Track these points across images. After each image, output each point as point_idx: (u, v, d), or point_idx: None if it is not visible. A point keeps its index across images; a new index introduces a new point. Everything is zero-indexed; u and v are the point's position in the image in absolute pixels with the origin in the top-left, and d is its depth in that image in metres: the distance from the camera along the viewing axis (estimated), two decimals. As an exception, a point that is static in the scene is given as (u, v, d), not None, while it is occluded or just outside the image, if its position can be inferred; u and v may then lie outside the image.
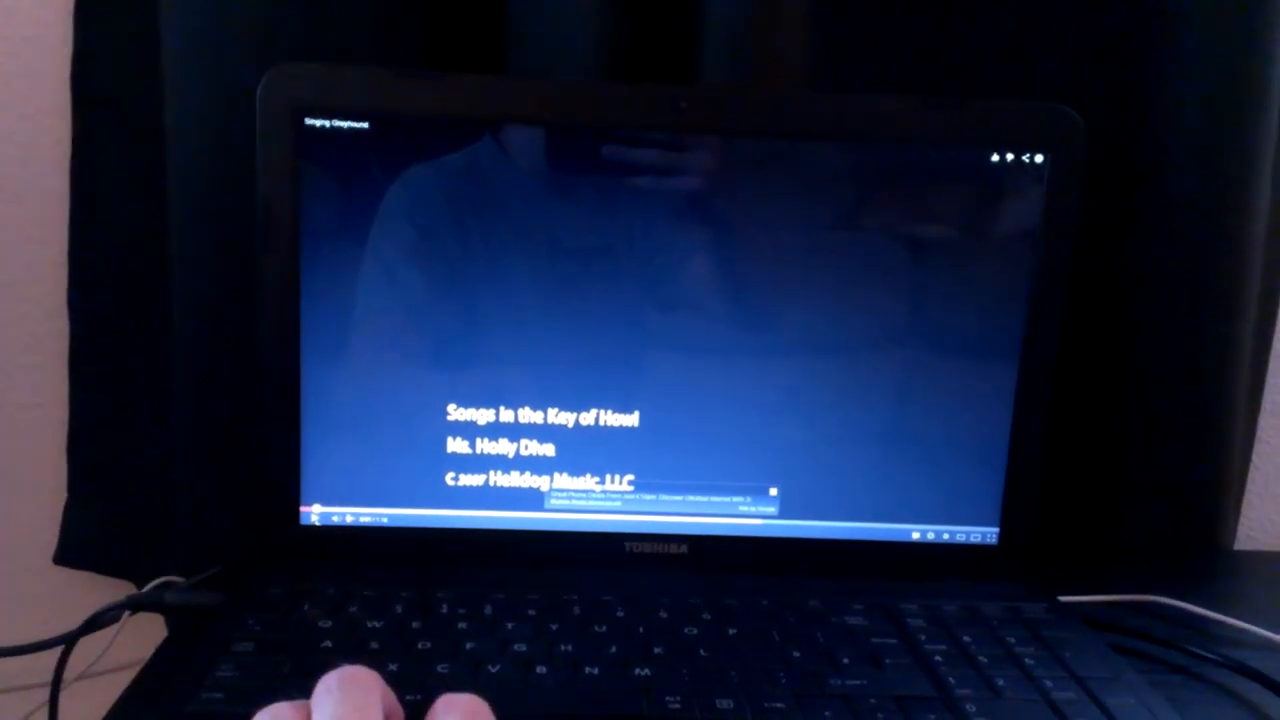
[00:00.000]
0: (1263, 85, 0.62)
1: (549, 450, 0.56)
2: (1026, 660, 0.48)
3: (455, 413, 0.55)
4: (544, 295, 0.54)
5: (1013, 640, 0.50)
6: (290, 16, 0.59)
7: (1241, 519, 0.75)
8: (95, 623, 0.54)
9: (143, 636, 0.58)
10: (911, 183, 0.55)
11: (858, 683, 0.46)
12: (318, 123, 0.52)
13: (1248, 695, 0.50)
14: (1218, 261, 0.65)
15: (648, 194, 0.54)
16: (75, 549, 0.68)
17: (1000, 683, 0.46)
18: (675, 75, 0.62)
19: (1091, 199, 0.61)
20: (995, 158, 0.54)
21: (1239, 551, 0.74)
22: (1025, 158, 0.54)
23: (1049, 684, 0.46)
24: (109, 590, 0.68)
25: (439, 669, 0.45)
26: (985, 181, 0.54)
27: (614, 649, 0.47)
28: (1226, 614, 0.57)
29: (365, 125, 0.52)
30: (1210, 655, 0.52)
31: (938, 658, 0.48)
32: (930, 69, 0.64)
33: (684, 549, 0.57)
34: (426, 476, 0.56)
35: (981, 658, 0.48)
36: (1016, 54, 0.63)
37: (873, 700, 0.44)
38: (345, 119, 0.52)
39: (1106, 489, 0.69)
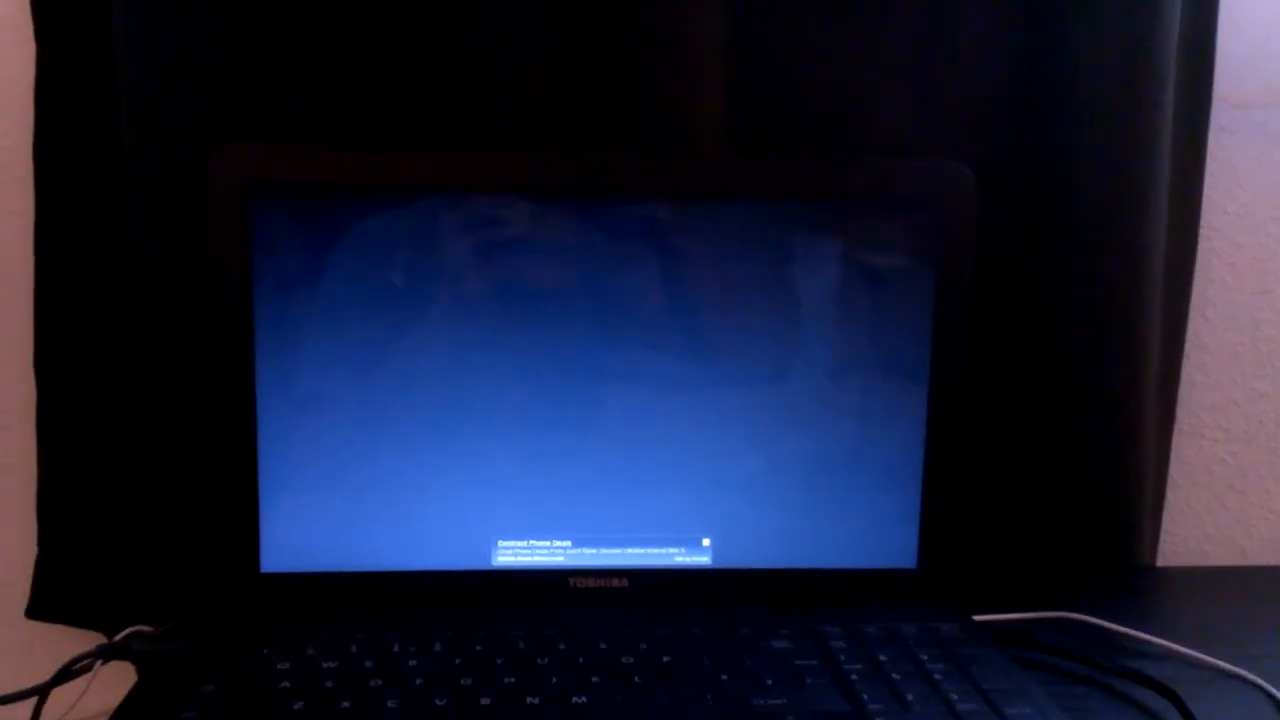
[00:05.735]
0: (1152, 129, 0.67)
1: (495, 503, 0.59)
2: (936, 676, 0.51)
3: (406, 466, 0.58)
4: (486, 352, 0.58)
5: (925, 658, 0.53)
6: (239, 90, 0.63)
7: (1165, 536, 0.79)
8: (67, 673, 0.57)
9: (117, 685, 0.60)
10: (821, 234, 0.59)
11: (778, 701, 0.49)
12: (265, 196, 0.55)
13: (1147, 703, 0.53)
14: (1123, 287, 0.69)
15: (579, 255, 0.58)
16: (48, 602, 0.71)
17: (910, 697, 0.49)
18: (610, 140, 0.66)
19: (1001, 234, 0.66)
20: (895, 209, 0.58)
21: (1160, 567, 0.77)
22: (922, 208, 0.58)
23: (955, 697, 0.49)
24: (83, 641, 0.70)
25: (389, 704, 0.48)
26: (888, 231, 0.59)
27: (554, 680, 0.51)
28: (1135, 628, 0.61)
29: (310, 197, 0.56)
30: (1110, 666, 0.55)
31: (854, 676, 0.51)
32: (845, 129, 0.68)
33: (625, 583, 0.60)
34: (378, 526, 0.59)
35: (895, 675, 0.52)
36: (927, 112, 0.68)
37: (791, 717, 0.48)
38: (291, 192, 0.56)
39: (1027, 511, 0.73)
